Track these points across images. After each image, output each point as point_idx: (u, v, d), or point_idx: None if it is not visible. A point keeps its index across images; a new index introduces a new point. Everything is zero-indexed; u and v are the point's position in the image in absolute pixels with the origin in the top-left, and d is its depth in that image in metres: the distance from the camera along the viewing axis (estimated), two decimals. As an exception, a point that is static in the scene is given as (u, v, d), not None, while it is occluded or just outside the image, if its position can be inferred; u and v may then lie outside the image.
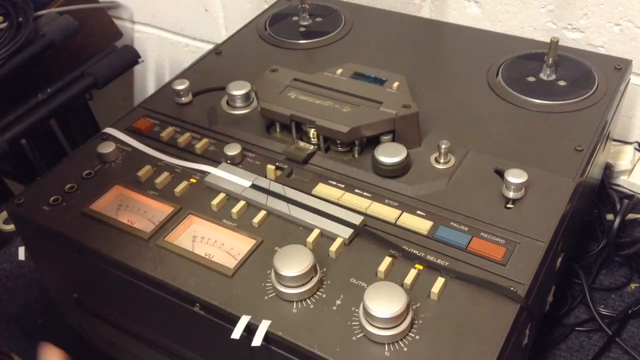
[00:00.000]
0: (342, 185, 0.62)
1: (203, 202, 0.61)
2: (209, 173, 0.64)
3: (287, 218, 0.59)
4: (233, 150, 0.65)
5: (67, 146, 1.24)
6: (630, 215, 0.83)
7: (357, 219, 0.57)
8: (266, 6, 0.95)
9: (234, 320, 0.51)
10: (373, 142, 0.64)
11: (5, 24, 0.98)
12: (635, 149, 0.90)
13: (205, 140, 0.68)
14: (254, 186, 0.62)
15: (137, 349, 0.67)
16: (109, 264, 0.59)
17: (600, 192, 0.85)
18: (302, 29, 0.87)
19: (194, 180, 0.64)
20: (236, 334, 0.50)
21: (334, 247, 0.55)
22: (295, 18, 0.89)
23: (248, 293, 0.53)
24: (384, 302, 0.48)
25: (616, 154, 0.89)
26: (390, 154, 0.61)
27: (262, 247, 0.57)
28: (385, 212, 0.59)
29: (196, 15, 1.23)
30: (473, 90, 0.74)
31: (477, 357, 0.47)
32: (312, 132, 0.65)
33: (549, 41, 0.73)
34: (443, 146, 0.62)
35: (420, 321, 0.50)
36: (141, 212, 0.61)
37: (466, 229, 0.57)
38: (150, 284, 0.56)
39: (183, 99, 0.74)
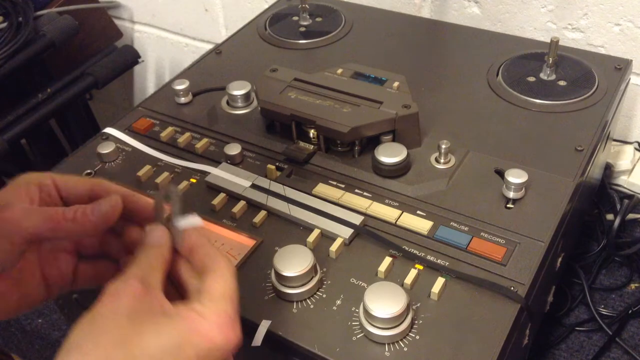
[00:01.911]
0: (342, 185, 0.62)
1: (203, 202, 0.61)
2: (209, 173, 0.64)
3: (287, 218, 0.59)
4: (233, 150, 0.65)
5: (67, 146, 1.24)
6: (630, 215, 0.83)
7: (357, 219, 0.57)
8: (266, 6, 0.95)
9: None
10: (373, 142, 0.64)
11: (5, 24, 0.98)
12: (635, 149, 0.90)
13: (205, 140, 0.68)
14: (254, 186, 0.62)
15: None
16: (109, 264, 0.59)
17: (600, 192, 0.85)
18: (302, 29, 0.87)
19: (194, 180, 0.64)
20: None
21: (334, 247, 0.55)
22: (295, 18, 0.89)
23: (248, 293, 0.53)
24: (384, 302, 0.48)
25: (616, 154, 0.89)
26: (390, 154, 0.61)
27: (262, 247, 0.57)
28: (386, 212, 0.59)
29: (196, 15, 1.23)
30: (473, 90, 0.74)
31: (477, 357, 0.47)
32: (312, 132, 0.65)
33: (549, 41, 0.73)
34: (443, 146, 0.62)
35: (421, 321, 0.50)
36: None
37: (466, 229, 0.57)
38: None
39: (183, 99, 0.74)
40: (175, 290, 0.43)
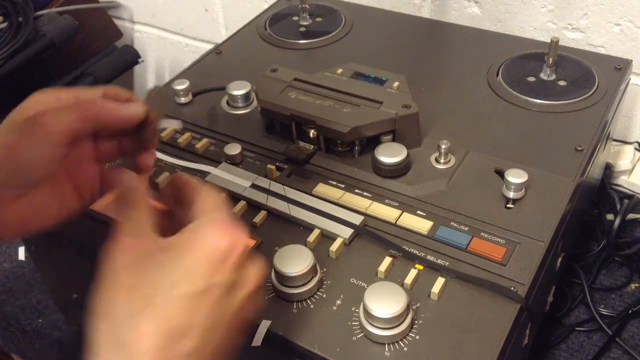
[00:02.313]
0: (342, 185, 0.62)
1: (203, 202, 0.61)
2: (209, 173, 0.64)
3: (287, 218, 0.59)
4: (233, 150, 0.65)
5: (67, 146, 1.24)
6: (630, 215, 0.83)
7: (357, 219, 0.57)
8: (266, 6, 0.95)
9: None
10: (373, 142, 0.64)
11: (5, 24, 0.98)
12: (636, 149, 0.90)
13: (205, 140, 0.68)
14: (254, 186, 0.62)
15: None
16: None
17: (600, 192, 0.85)
18: (302, 29, 0.87)
19: (194, 180, 0.64)
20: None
21: (334, 247, 0.55)
22: (295, 18, 0.89)
23: (248, 293, 0.53)
24: (384, 302, 0.48)
25: (616, 154, 0.89)
26: (390, 154, 0.61)
27: (262, 247, 0.57)
28: (386, 212, 0.59)
29: (196, 15, 1.23)
30: (473, 90, 0.74)
31: (477, 357, 0.47)
32: (312, 132, 0.65)
33: (549, 41, 0.73)
34: (443, 146, 0.62)
35: (420, 321, 0.50)
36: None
37: (466, 229, 0.57)
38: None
39: (183, 99, 0.74)
40: (173, 225, 0.43)
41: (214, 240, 0.39)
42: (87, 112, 0.44)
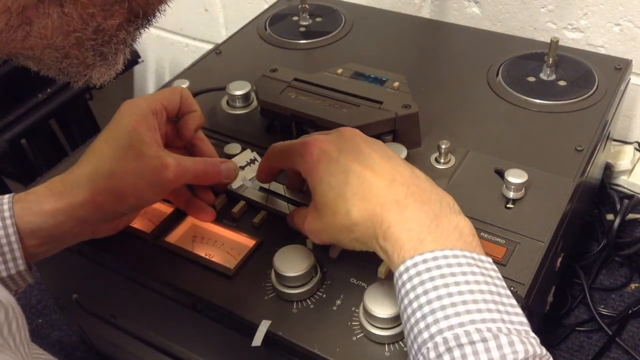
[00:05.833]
0: (342, 185, 0.62)
1: (203, 202, 0.61)
2: (209, 173, 0.64)
3: (287, 218, 0.59)
4: (233, 150, 0.65)
5: (67, 146, 1.24)
6: (630, 215, 0.83)
7: (357, 219, 0.57)
8: (266, 6, 0.95)
9: (233, 321, 0.51)
10: (373, 142, 0.64)
11: (5, 24, 0.98)
12: (635, 149, 0.89)
13: (205, 140, 0.68)
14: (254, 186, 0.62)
15: (137, 349, 0.67)
16: (109, 264, 0.59)
17: (600, 192, 0.85)
18: (302, 29, 0.87)
19: (194, 180, 0.64)
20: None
21: (334, 246, 0.55)
22: (295, 18, 0.89)
23: (248, 293, 0.53)
24: (384, 302, 0.48)
25: (616, 154, 0.88)
26: (390, 154, 0.61)
27: (262, 247, 0.57)
28: (385, 212, 0.58)
29: (196, 15, 1.23)
30: (473, 90, 0.74)
31: (477, 357, 0.47)
32: (312, 132, 0.65)
33: (549, 41, 0.73)
34: (443, 146, 0.62)
35: (421, 321, 0.50)
36: (141, 212, 0.60)
37: (466, 229, 0.57)
38: (150, 284, 0.56)
39: (183, 99, 0.74)
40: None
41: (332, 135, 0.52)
42: (200, 178, 0.55)
